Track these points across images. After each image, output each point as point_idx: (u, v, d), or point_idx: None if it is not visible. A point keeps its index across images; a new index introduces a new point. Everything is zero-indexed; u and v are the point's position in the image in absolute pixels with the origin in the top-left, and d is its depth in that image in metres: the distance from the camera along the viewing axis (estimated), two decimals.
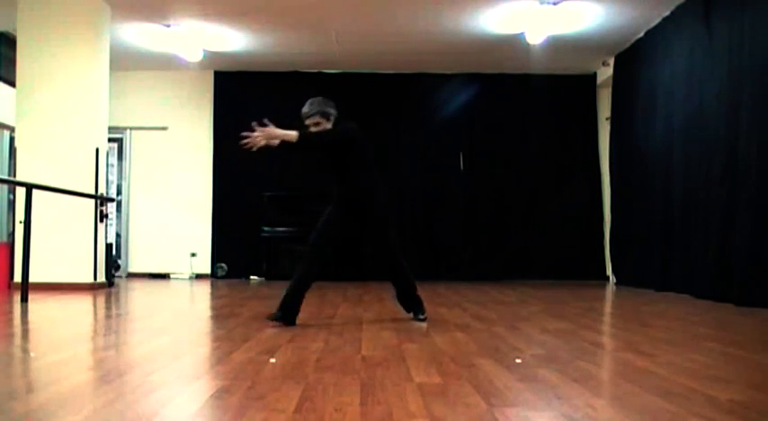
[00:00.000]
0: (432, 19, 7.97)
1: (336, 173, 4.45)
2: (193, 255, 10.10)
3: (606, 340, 3.89)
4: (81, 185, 7.07)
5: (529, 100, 10.13)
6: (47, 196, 6.53)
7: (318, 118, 4.33)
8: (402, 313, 4.98)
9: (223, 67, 9.97)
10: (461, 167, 10.12)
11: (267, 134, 4.05)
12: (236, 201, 10.01)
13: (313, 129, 4.33)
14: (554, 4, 7.42)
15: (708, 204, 6.57)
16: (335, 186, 4.46)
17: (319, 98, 4.41)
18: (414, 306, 4.59)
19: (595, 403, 2.17)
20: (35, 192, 5.92)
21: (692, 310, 5.55)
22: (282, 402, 2.13)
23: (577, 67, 9.92)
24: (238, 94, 10.12)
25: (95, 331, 4.22)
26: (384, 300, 6.23)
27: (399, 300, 4.65)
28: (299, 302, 4.26)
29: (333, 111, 4.39)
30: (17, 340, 3.74)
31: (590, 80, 10.19)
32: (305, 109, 4.36)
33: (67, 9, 7.41)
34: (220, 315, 5.03)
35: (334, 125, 4.39)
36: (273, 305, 5.43)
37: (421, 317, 4.49)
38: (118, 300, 6.46)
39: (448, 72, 10.04)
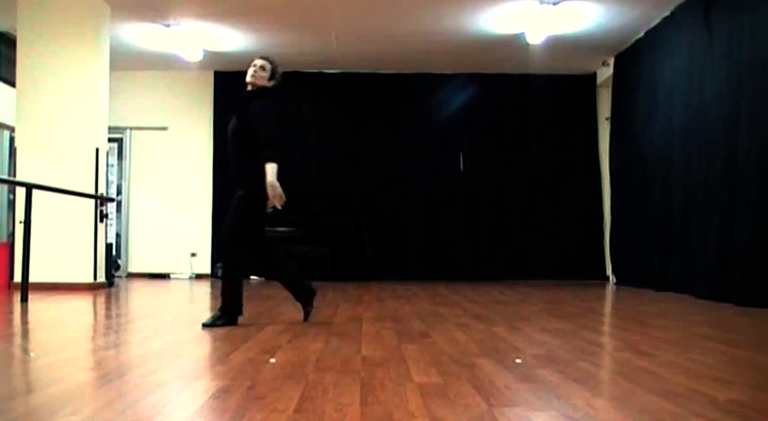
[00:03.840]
0: (432, 19, 7.97)
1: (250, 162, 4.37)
2: (193, 255, 10.10)
3: (606, 340, 3.89)
4: (81, 185, 7.07)
5: (529, 100, 10.12)
6: (47, 196, 6.53)
7: (267, 69, 4.50)
8: (402, 313, 4.99)
9: (223, 67, 9.97)
10: (461, 167, 10.12)
11: (276, 195, 4.28)
12: None
13: (251, 70, 4.48)
14: (554, 4, 7.42)
15: (708, 204, 6.57)
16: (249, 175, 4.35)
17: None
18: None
19: (595, 403, 2.17)
20: (35, 192, 5.92)
21: (692, 310, 5.55)
22: (282, 402, 2.13)
23: (577, 67, 9.92)
24: (238, 94, 10.10)
25: (95, 331, 4.22)
26: (384, 300, 6.23)
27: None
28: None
29: (279, 77, 4.53)
30: (17, 340, 3.74)
31: (590, 80, 10.19)
32: (266, 58, 4.49)
33: (67, 9, 7.41)
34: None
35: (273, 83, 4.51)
36: (273, 305, 5.44)
37: (308, 308, 4.40)
38: (118, 299, 6.46)
39: (448, 72, 10.03)
